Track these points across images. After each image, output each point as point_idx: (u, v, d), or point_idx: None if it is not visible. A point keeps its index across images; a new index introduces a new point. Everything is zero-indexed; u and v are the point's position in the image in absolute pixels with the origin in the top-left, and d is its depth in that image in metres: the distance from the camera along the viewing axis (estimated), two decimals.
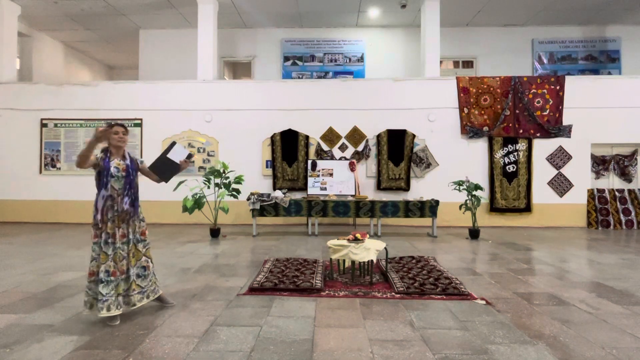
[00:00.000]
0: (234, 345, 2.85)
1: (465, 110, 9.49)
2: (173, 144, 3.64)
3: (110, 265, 3.24)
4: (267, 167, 9.69)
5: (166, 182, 3.68)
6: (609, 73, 11.73)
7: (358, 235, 4.59)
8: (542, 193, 9.40)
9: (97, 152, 3.31)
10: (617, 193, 9.38)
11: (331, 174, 8.97)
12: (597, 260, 5.77)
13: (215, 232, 7.71)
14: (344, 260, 4.75)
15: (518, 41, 11.91)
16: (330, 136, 9.65)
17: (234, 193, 7.75)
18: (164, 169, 3.60)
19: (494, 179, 9.40)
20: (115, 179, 3.33)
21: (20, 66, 11.95)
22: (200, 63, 9.91)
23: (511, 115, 9.45)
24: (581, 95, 9.40)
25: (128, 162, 3.43)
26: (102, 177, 3.31)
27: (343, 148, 9.63)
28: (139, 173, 3.56)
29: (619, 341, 2.96)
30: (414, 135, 9.49)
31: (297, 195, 9.12)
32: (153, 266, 3.57)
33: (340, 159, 9.38)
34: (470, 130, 9.43)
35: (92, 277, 3.26)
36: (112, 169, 3.33)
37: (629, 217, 9.24)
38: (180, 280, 4.56)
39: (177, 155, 3.57)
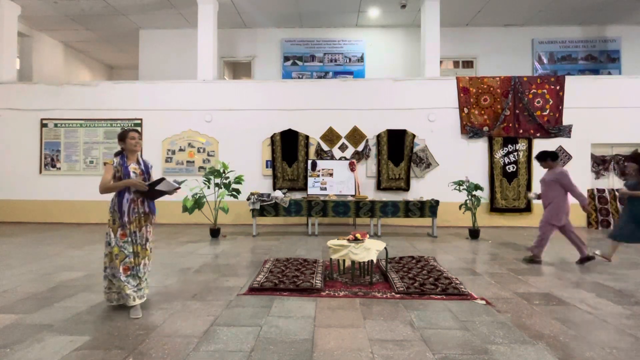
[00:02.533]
0: (234, 345, 2.85)
1: (465, 110, 9.49)
2: (162, 179, 3.55)
3: (132, 261, 3.49)
4: (267, 167, 9.69)
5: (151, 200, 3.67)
6: (609, 73, 11.72)
7: (358, 235, 4.59)
8: None
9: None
10: (617, 193, 9.38)
11: (331, 174, 8.96)
12: (597, 260, 5.76)
13: (215, 232, 7.71)
14: (344, 260, 4.75)
15: (518, 41, 11.91)
16: (330, 136, 9.65)
17: (234, 193, 7.75)
18: (151, 194, 3.60)
19: (494, 179, 9.40)
20: None
21: (20, 66, 11.95)
22: (200, 63, 9.91)
23: (511, 115, 9.45)
24: (581, 95, 9.40)
25: (143, 166, 3.60)
26: None
27: (343, 148, 9.63)
28: None
29: (619, 341, 2.96)
30: (414, 135, 9.49)
31: (297, 195, 9.12)
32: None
33: (340, 159, 9.38)
34: (470, 130, 9.43)
35: (128, 272, 3.45)
36: (131, 174, 3.49)
37: None
38: (180, 280, 4.56)
39: (166, 186, 3.56)
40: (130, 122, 9.74)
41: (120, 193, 3.48)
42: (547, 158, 5.79)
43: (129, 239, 3.47)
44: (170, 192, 3.62)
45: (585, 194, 9.33)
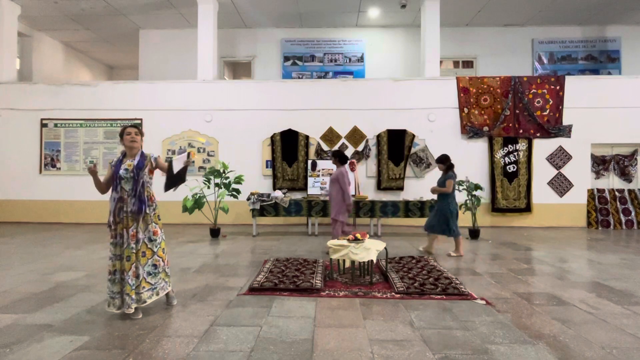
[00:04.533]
0: (234, 345, 2.85)
1: (465, 110, 9.49)
2: (171, 160, 3.50)
3: (117, 264, 3.34)
4: (267, 167, 9.69)
5: (165, 190, 3.58)
6: (609, 73, 11.72)
7: (358, 235, 4.59)
8: (542, 193, 9.40)
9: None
10: (617, 193, 9.38)
11: (331, 174, 8.94)
12: (597, 260, 5.77)
13: (215, 232, 7.71)
14: (344, 260, 4.75)
15: (518, 41, 11.91)
16: (330, 136, 9.65)
17: (234, 193, 7.75)
18: (171, 182, 3.53)
19: (495, 179, 9.40)
20: (125, 181, 3.40)
21: (20, 66, 11.95)
22: (200, 63, 9.91)
23: (511, 115, 9.44)
24: (581, 95, 9.39)
25: (135, 162, 3.44)
26: (114, 180, 3.41)
27: (343, 148, 9.62)
28: (155, 170, 3.57)
29: (619, 341, 2.96)
30: (413, 135, 9.49)
31: (297, 195, 9.11)
32: (165, 264, 3.54)
33: None
34: (470, 130, 9.43)
35: (109, 276, 3.36)
36: (122, 171, 3.40)
37: (629, 217, 9.23)
38: (180, 280, 4.56)
39: (179, 163, 3.48)
40: (131, 122, 9.74)
41: (111, 192, 3.44)
42: (335, 157, 6.08)
43: (114, 241, 3.36)
44: (186, 166, 3.52)
45: (585, 194, 9.35)
